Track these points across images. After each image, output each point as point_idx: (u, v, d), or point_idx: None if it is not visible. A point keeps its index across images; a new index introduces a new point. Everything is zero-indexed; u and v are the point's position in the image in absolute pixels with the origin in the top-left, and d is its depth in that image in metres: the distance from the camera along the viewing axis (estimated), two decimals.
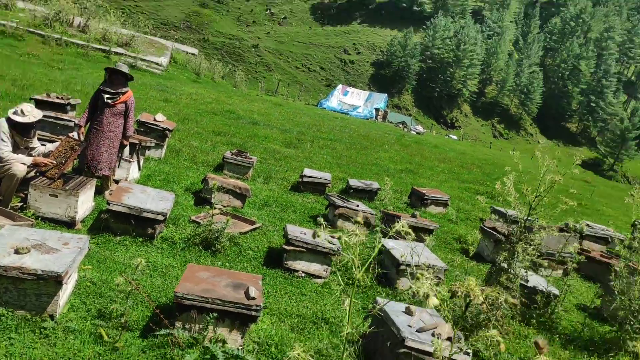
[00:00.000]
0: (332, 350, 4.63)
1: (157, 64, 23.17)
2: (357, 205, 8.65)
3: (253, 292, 4.28)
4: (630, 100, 74.26)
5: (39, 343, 3.70)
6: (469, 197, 13.20)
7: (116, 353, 3.82)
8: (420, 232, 8.17)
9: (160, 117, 10.15)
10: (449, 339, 4.43)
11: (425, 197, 10.80)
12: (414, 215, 8.55)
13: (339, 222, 8.34)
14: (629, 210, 14.03)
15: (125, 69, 7.17)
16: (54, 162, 6.26)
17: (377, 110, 46.63)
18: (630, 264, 6.57)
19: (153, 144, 9.17)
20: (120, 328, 4.09)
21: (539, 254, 6.05)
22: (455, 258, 8.21)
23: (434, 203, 10.88)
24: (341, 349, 4.69)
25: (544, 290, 6.33)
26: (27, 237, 4.34)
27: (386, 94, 53.18)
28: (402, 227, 2.15)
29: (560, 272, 8.12)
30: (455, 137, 48.90)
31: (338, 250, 6.42)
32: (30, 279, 3.84)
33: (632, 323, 5.96)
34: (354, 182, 10.80)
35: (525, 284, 6.43)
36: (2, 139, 5.88)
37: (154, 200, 6.50)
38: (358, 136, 20.11)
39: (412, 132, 37.63)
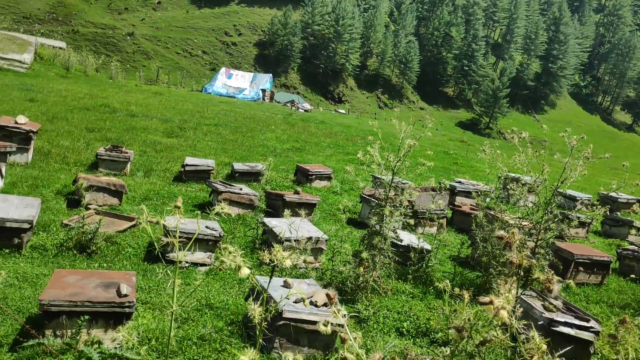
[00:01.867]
0: (216, 334, 4.70)
1: (19, 61, 21.50)
2: (240, 189, 8.70)
3: (125, 289, 4.23)
4: (498, 62, 79.89)
5: None
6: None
7: None
8: (304, 208, 8.40)
9: (21, 119, 9.50)
10: (325, 304, 4.67)
11: (309, 172, 11.07)
12: (296, 192, 8.76)
13: (225, 209, 8.34)
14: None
15: None
16: None
17: (263, 91, 46.51)
18: (490, 212, 7.21)
19: (14, 149, 8.58)
20: None
21: (409, 214, 6.48)
22: (332, 227, 8.54)
23: (318, 178, 11.19)
24: (225, 332, 4.78)
25: (417, 247, 6.80)
26: None
27: (271, 74, 53.08)
28: (222, 209, 2.27)
29: (434, 228, 8.74)
30: (343, 112, 50.10)
31: (220, 235, 6.47)
32: None
33: (494, 267, 6.58)
34: (238, 166, 10.82)
35: (399, 243, 6.86)
36: None
37: (18, 209, 6.14)
38: (244, 119, 20.03)
39: (300, 110, 38.04)
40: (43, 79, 20.40)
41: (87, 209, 7.26)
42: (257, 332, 2.03)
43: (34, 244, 6.13)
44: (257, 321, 2.05)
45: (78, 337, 4.03)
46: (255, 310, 2.05)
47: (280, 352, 4.53)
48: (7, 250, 5.85)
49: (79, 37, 54.00)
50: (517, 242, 2.54)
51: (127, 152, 9.89)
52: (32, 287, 5.20)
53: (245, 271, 1.95)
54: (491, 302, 1.92)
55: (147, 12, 64.38)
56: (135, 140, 12.67)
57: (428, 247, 6.99)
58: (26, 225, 5.89)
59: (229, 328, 4.86)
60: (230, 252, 1.95)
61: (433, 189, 8.92)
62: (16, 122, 9.37)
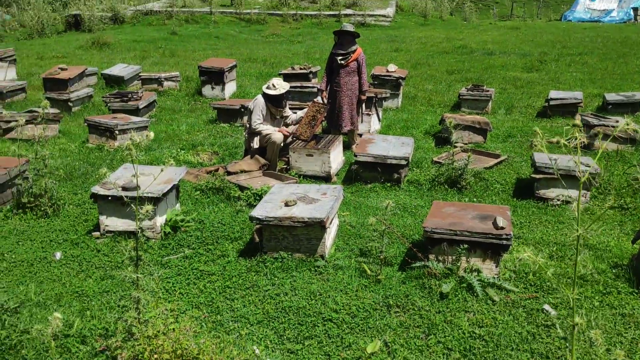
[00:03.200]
0: (599, 276, 4.34)
1: (384, 16, 23.58)
2: (617, 121, 7.70)
3: (501, 222, 4.25)
4: None
5: (315, 279, 4.32)
6: None
7: (379, 284, 4.24)
8: None
9: (392, 67, 10.43)
10: None
11: None
12: None
13: (597, 144, 7.55)
14: None
15: (350, 27, 7.57)
16: (301, 129, 6.97)
17: (635, 10, 39.71)
18: None
19: (388, 95, 9.49)
20: (380, 263, 4.50)
21: None
22: None
23: None
24: (608, 274, 4.37)
25: None
26: (293, 192, 5.04)
27: None
28: (627, 123, 1.93)
29: None
30: None
31: (596, 171, 5.89)
32: (300, 226, 4.47)
33: None
34: (611, 96, 9.58)
35: None
36: (257, 114, 6.81)
37: (396, 147, 6.82)
38: (614, 43, 17.54)
39: None
40: (404, 29, 21.94)
41: (454, 146, 7.57)
42: None
43: (410, 179, 6.74)
44: None
45: (458, 264, 4.27)
46: None
47: None
48: (388, 184, 6.59)
49: None
50: None
51: (488, 90, 9.85)
52: (412, 216, 5.75)
53: None
54: None
55: None
56: (494, 78, 12.52)
57: None
58: (403, 162, 6.51)
59: (614, 271, 4.42)
60: None
61: None
62: (387, 71, 10.34)
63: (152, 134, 2.86)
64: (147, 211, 2.73)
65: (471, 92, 9.77)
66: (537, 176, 6.04)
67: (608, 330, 3.65)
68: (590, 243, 4.99)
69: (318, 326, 3.73)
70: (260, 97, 6.94)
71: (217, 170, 6.80)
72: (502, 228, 4.22)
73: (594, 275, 4.33)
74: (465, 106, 9.82)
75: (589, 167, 5.87)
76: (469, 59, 14.94)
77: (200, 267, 4.58)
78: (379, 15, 23.42)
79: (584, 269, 4.41)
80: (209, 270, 4.53)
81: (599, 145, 7.53)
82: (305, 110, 7.34)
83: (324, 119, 7.56)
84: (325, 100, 7.81)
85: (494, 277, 4.23)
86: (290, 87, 8.55)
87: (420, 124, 9.17)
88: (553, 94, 9.78)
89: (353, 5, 23.89)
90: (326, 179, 6.81)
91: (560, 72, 13.23)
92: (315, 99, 7.70)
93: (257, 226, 4.70)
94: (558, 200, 5.99)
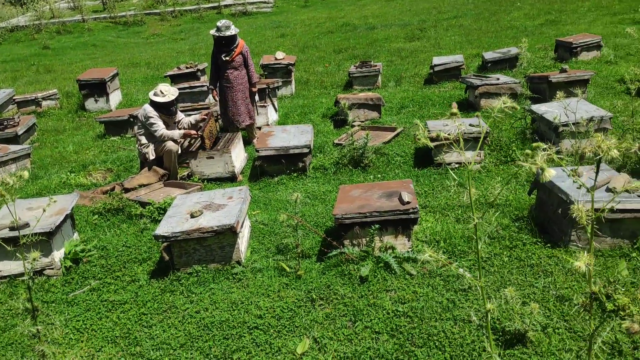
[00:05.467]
0: (504, 231, 4.56)
1: (265, 2, 23.35)
2: (498, 79, 8.13)
3: (406, 197, 4.34)
4: None
5: (234, 287, 4.20)
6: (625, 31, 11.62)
7: (300, 280, 4.19)
8: (575, 86, 7.46)
9: (280, 54, 10.34)
10: (626, 191, 4.10)
11: (573, 45, 9.74)
12: (563, 70, 7.79)
13: (482, 102, 7.94)
14: None
15: (229, 32, 7.22)
16: (202, 133, 6.69)
17: None
18: None
19: (280, 83, 9.42)
20: (297, 258, 4.46)
21: None
22: (615, 102, 7.40)
23: (584, 49, 9.79)
24: (512, 228, 4.60)
25: None
26: (197, 201, 4.85)
27: None
28: (504, 103, 1.98)
29: None
30: None
31: (487, 131, 6.18)
32: (210, 236, 4.31)
33: None
34: (488, 55, 10.10)
35: None
36: (153, 122, 6.48)
37: (296, 136, 6.77)
38: (484, 2, 18.51)
39: None
40: (287, 13, 21.87)
41: (352, 126, 7.66)
42: (589, 231, 1.80)
43: (315, 165, 6.74)
44: (583, 221, 1.81)
45: (373, 245, 4.32)
46: (580, 210, 1.82)
47: (579, 245, 4.18)
48: (295, 174, 6.55)
49: None
50: None
51: (375, 65, 10.04)
52: (322, 203, 5.75)
53: (551, 173, 1.72)
54: None
55: None
56: (380, 51, 12.80)
57: None
58: (306, 150, 6.48)
59: (516, 224, 4.66)
60: (534, 155, 1.72)
61: None
62: (276, 59, 10.24)
63: (26, 174, 2.58)
64: (34, 259, 2.47)
65: (360, 70, 9.91)
66: (433, 144, 6.24)
67: (520, 283, 3.85)
68: (491, 200, 5.23)
69: (244, 336, 3.62)
70: (147, 106, 6.60)
71: (113, 189, 6.42)
72: (408, 202, 4.31)
73: (499, 231, 4.55)
74: (356, 84, 9.95)
75: (479, 127, 6.17)
76: (354, 35, 15.17)
77: (110, 298, 4.31)
78: (260, 2, 23.16)
79: (488, 227, 4.61)
80: (121, 299, 4.27)
81: (484, 105, 7.93)
82: (199, 117, 7.00)
83: (214, 121, 7.36)
84: (218, 98, 7.61)
85: (408, 251, 4.32)
86: (179, 89, 8.25)
87: (316, 108, 9.18)
88: (436, 60, 10.14)
89: None
90: (232, 179, 6.65)
91: (440, 37, 13.76)
92: (202, 111, 7.47)
93: (165, 244, 4.48)
94: (457, 164, 6.24)
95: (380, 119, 8.18)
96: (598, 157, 1.85)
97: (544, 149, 1.75)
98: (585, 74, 7.68)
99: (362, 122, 8.04)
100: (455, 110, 2.16)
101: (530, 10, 15.91)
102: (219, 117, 7.76)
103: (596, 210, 1.96)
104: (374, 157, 6.58)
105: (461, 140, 2.12)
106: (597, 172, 2.14)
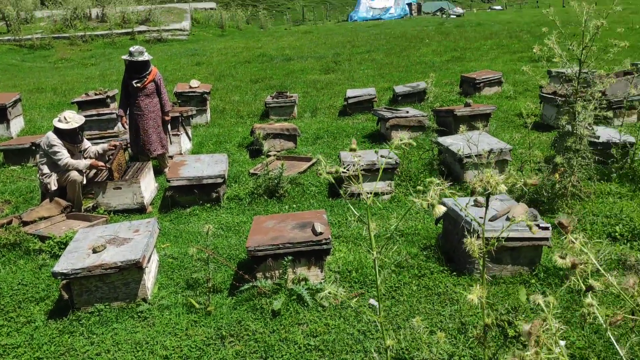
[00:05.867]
0: (412, 260, 4.68)
1: (180, 30, 23.11)
2: (407, 112, 8.45)
3: (319, 228, 4.35)
4: None
5: (139, 326, 3.99)
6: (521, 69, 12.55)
7: (210, 316, 4.06)
8: (478, 120, 7.90)
9: (194, 82, 10.21)
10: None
11: (476, 80, 10.37)
12: (467, 104, 8.25)
13: (393, 134, 8.21)
14: None
15: (142, 57, 7.08)
16: (110, 166, 6.41)
17: (409, 5, 44.31)
18: None
19: (194, 112, 9.28)
20: (208, 293, 4.32)
21: (603, 106, 5.69)
22: (514, 135, 7.92)
23: (486, 85, 10.44)
24: (420, 257, 4.73)
25: (618, 141, 6.00)
26: (101, 234, 4.61)
27: None
28: (401, 139, 2.06)
29: (634, 117, 7.65)
30: (499, 7, 45.88)
31: (396, 162, 6.37)
32: (113, 272, 4.10)
33: None
34: (399, 89, 10.52)
35: (597, 140, 6.12)
36: (57, 150, 6.14)
37: (210, 166, 6.66)
38: (395, 39, 19.38)
39: (452, 16, 35.68)
40: (203, 41, 21.75)
41: (268, 156, 7.64)
42: (481, 264, 1.88)
43: (229, 196, 6.63)
44: (476, 255, 1.89)
45: (285, 277, 4.28)
46: (472, 243, 1.89)
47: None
48: (208, 205, 6.41)
49: None
50: None
51: (292, 96, 10.15)
52: (236, 234, 5.65)
53: (441, 209, 1.79)
54: None
55: None
56: (296, 82, 12.98)
57: (632, 139, 6.13)
58: (220, 180, 6.37)
59: (424, 253, 4.80)
60: (431, 188, 1.78)
61: (627, 73, 7.75)
62: (190, 87, 10.11)
63: None
64: None
65: (276, 100, 9.97)
66: (345, 174, 6.34)
67: (428, 312, 3.94)
68: (401, 229, 5.36)
69: None
70: (51, 133, 6.25)
71: (10, 222, 5.97)
72: (321, 233, 4.33)
73: (408, 260, 4.66)
74: (272, 113, 10.00)
75: (391, 158, 6.35)
76: (270, 66, 15.31)
77: (2, 342, 3.96)
78: (175, 29, 22.90)
79: (398, 256, 4.71)
80: (13, 343, 3.93)
81: (395, 136, 8.20)
82: (108, 150, 6.74)
83: (126, 146, 7.12)
84: (126, 126, 7.36)
85: (321, 282, 4.32)
86: (86, 116, 7.90)
87: (232, 137, 9.11)
88: (350, 92, 10.42)
89: (147, 22, 23.04)
90: (140, 210, 6.40)
91: (354, 70, 14.19)
92: (110, 140, 7.21)
93: (64, 281, 4.20)
94: (368, 194, 6.36)
95: (296, 149, 8.24)
96: (487, 192, 1.94)
97: (437, 184, 1.82)
98: (487, 108, 8.16)
99: (278, 152, 8.05)
100: (354, 146, 2.20)
101: (437, 47, 16.81)
102: (128, 145, 7.49)
103: (487, 241, 2.07)
104: (289, 187, 6.58)
105: (360, 174, 2.17)
106: (487, 207, 2.25)
